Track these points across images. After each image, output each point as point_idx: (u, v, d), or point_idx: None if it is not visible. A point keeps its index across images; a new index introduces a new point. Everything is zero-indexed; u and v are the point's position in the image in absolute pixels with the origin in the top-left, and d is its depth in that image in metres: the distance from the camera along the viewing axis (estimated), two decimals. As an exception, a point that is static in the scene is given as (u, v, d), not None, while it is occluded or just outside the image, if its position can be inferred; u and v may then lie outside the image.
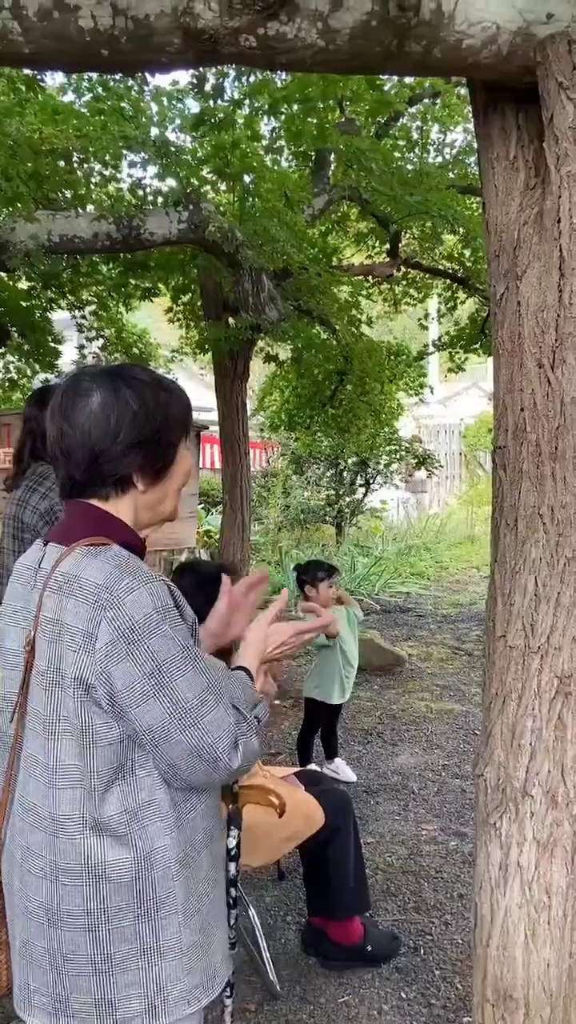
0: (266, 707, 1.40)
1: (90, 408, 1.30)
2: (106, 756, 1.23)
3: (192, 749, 1.23)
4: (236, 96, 4.86)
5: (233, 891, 2.05)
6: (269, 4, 1.58)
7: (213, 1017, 2.12)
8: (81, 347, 6.83)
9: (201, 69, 4.30)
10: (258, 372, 10.21)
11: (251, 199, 4.92)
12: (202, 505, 11.46)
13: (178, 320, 7.60)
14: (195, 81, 4.39)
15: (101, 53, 1.68)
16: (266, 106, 4.65)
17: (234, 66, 4.20)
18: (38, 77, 4.42)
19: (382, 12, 1.61)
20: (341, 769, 4.38)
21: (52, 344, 6.43)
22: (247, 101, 4.84)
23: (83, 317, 6.80)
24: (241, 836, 2.12)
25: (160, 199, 4.65)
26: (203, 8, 1.60)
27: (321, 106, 4.50)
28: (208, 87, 4.44)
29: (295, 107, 4.54)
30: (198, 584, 2.08)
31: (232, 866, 2.06)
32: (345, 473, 12.96)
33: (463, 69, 1.73)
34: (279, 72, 4.01)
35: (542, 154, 1.73)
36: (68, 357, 6.94)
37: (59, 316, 6.81)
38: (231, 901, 2.01)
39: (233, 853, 2.07)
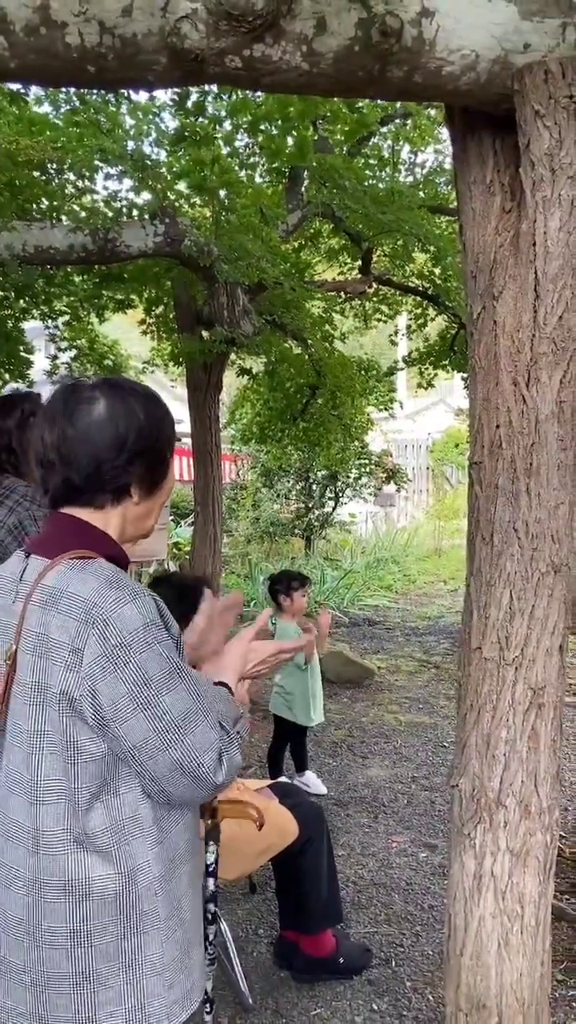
0: (246, 722, 1.41)
1: (97, 414, 1.30)
2: (90, 771, 1.22)
3: (178, 765, 1.23)
4: (218, 114, 4.90)
5: (211, 907, 2.04)
6: (255, 27, 1.61)
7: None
8: (54, 357, 6.79)
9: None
10: (229, 385, 10.23)
11: (226, 214, 4.95)
12: (171, 517, 11.42)
13: (151, 332, 7.59)
14: (176, 97, 4.42)
15: (87, 70, 1.70)
16: (247, 124, 4.70)
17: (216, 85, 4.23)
18: (22, 92, 4.41)
19: (365, 38, 1.65)
20: (311, 782, 4.39)
21: (24, 354, 6.38)
22: (228, 119, 4.89)
23: (56, 328, 6.76)
24: (219, 852, 2.11)
25: (135, 212, 4.66)
26: (190, 29, 1.62)
27: (298, 125, 4.56)
28: (190, 103, 4.47)
29: (274, 126, 4.60)
30: (173, 596, 2.09)
31: (211, 882, 2.06)
32: (315, 486, 13.02)
33: (443, 95, 1.78)
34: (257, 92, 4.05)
35: (518, 179, 1.79)
36: (38, 367, 6.89)
37: (29, 326, 6.78)
38: (209, 917, 2.01)
39: (211, 869, 2.07)
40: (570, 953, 2.86)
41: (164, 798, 1.27)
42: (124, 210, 4.68)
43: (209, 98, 4.72)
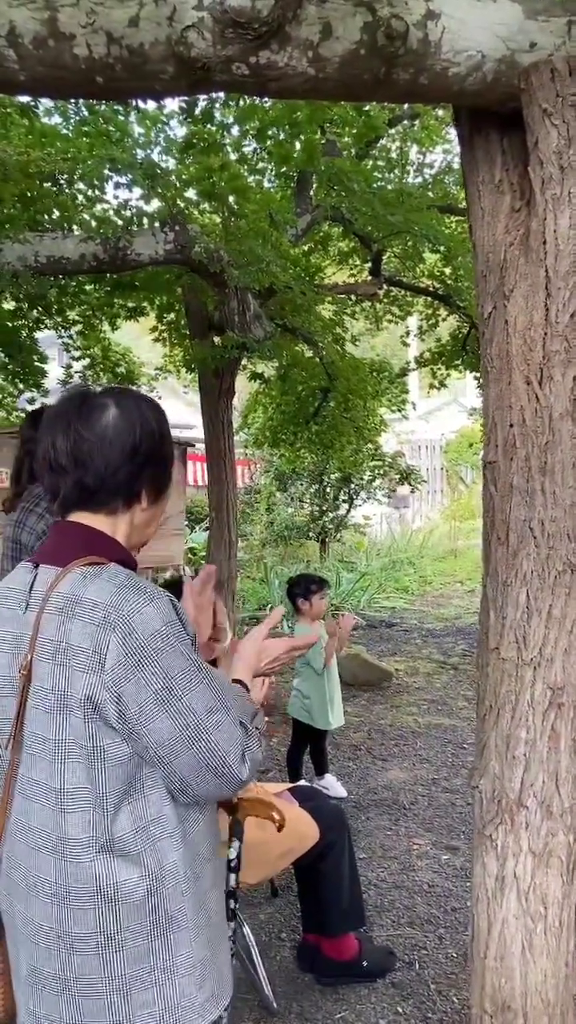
0: (263, 718, 1.42)
1: (112, 419, 1.32)
2: (116, 775, 1.23)
3: (204, 763, 1.24)
4: (225, 120, 4.93)
5: (232, 903, 2.05)
6: (261, 34, 1.62)
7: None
8: (68, 366, 6.84)
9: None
10: (241, 389, 10.26)
11: (236, 220, 4.98)
12: (186, 523, 11.46)
13: (163, 339, 7.63)
14: (184, 105, 4.45)
15: (96, 81, 1.71)
16: (255, 130, 4.72)
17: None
18: (32, 105, 4.46)
19: (371, 41, 1.66)
20: (331, 785, 4.38)
21: (38, 364, 6.44)
22: (236, 125, 4.91)
23: (69, 337, 6.82)
24: (242, 849, 2.12)
25: (146, 220, 4.69)
26: (196, 37, 1.63)
27: (306, 130, 4.57)
28: (198, 111, 4.50)
29: (283, 132, 4.62)
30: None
31: (232, 877, 2.06)
32: (328, 489, 13.01)
33: (449, 96, 1.78)
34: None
35: (526, 177, 1.78)
36: (52, 376, 6.95)
37: (43, 335, 6.84)
38: (229, 912, 2.01)
39: (233, 864, 2.08)
40: (595, 954, 2.84)
41: (189, 797, 1.27)
42: (134, 219, 4.71)
43: (217, 105, 4.74)
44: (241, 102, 4.55)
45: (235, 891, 2.07)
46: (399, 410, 9.69)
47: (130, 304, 6.62)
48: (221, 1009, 1.36)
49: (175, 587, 2.44)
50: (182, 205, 4.91)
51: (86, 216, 5.35)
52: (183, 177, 4.96)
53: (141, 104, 4.81)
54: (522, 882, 1.80)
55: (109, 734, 1.22)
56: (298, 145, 4.68)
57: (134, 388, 1.53)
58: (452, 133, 7.07)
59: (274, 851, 2.53)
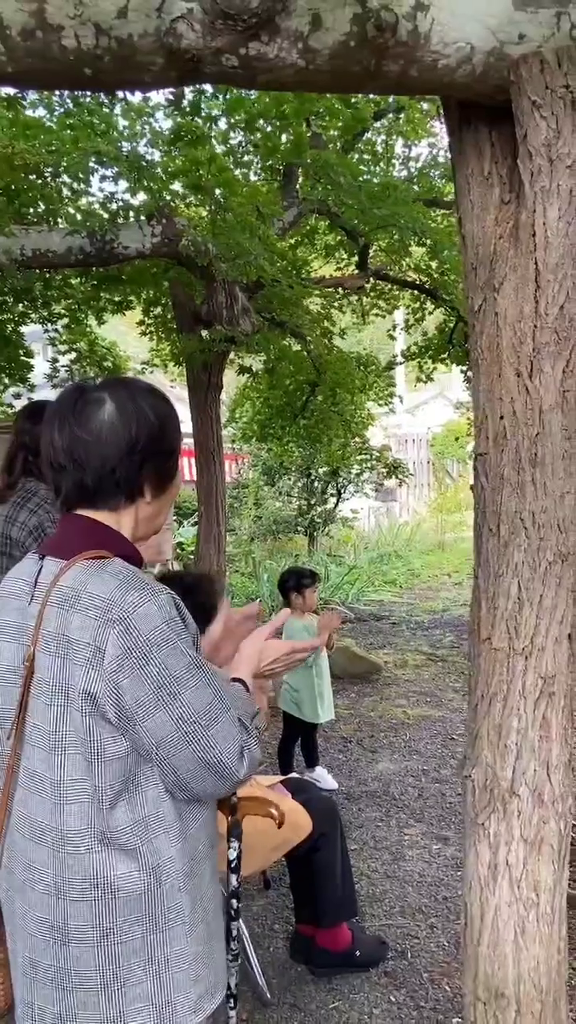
0: (263, 717, 1.42)
1: (108, 416, 1.31)
2: (114, 770, 1.23)
3: (201, 760, 1.24)
4: (213, 112, 4.91)
5: (235, 902, 2.05)
6: (250, 25, 1.62)
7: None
8: (54, 360, 6.81)
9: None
10: (228, 383, 10.25)
11: (223, 212, 4.97)
12: (174, 517, 11.44)
13: (149, 333, 7.60)
14: (172, 97, 4.43)
15: (84, 72, 1.70)
16: (243, 122, 4.70)
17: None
18: (19, 96, 4.42)
19: (360, 33, 1.65)
20: (322, 777, 4.40)
21: (24, 358, 6.40)
22: (223, 117, 4.90)
23: (55, 331, 6.78)
24: (241, 849, 2.12)
25: (132, 213, 4.67)
26: (186, 28, 1.63)
27: (293, 122, 4.57)
28: (185, 103, 4.48)
29: (270, 124, 4.61)
30: (184, 595, 2.09)
31: (234, 878, 2.06)
32: (316, 483, 13.02)
33: (439, 88, 1.78)
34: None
35: (516, 170, 1.79)
36: (38, 371, 6.92)
37: (28, 329, 6.80)
38: (232, 912, 2.01)
39: (234, 865, 2.08)
40: (585, 941, 2.87)
41: (187, 794, 1.28)
42: (121, 212, 4.69)
43: (204, 97, 4.72)
44: (229, 94, 4.54)
45: (238, 891, 2.07)
46: (386, 404, 9.71)
47: (116, 298, 6.59)
48: (216, 1003, 1.36)
49: (174, 582, 2.45)
50: (168, 198, 4.89)
51: (70, 209, 5.33)
52: (169, 169, 4.94)
53: (129, 96, 4.79)
54: (514, 870, 1.82)
55: (107, 729, 1.22)
56: (285, 137, 4.67)
57: (134, 377, 1.51)
58: (437, 126, 7.08)
59: (268, 843, 2.54)
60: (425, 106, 6.43)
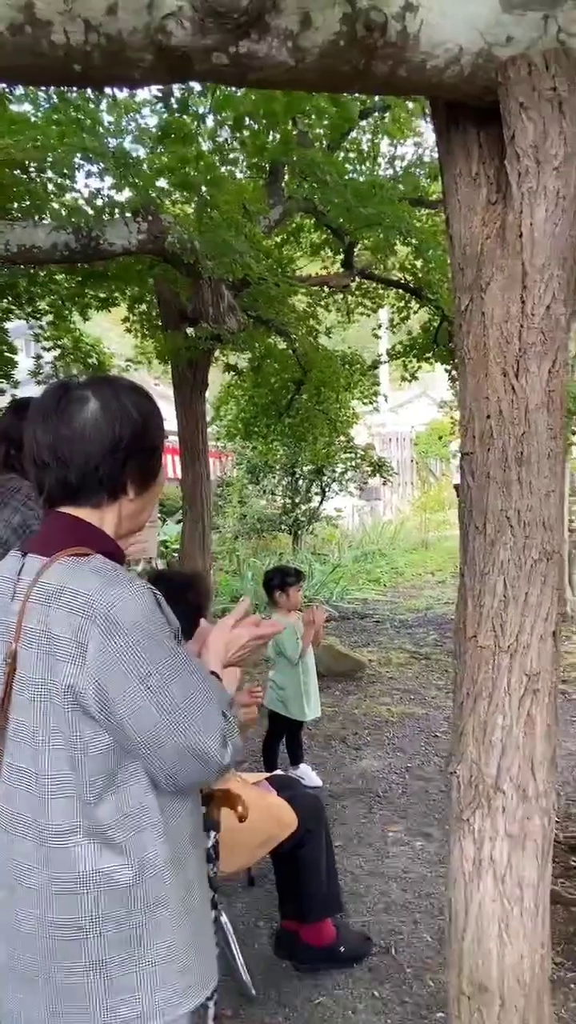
0: (238, 707, 1.43)
1: (91, 413, 1.32)
2: (98, 764, 1.24)
3: (186, 750, 1.25)
4: (196, 110, 4.89)
5: (212, 893, 2.05)
6: (240, 23, 1.62)
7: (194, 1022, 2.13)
8: (38, 357, 6.77)
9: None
10: (212, 381, 10.24)
11: (210, 210, 4.96)
12: (159, 515, 11.41)
13: (134, 330, 7.58)
14: (160, 94, 4.41)
15: (73, 68, 1.70)
16: (231, 121, 4.70)
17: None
18: (7, 91, 4.40)
19: (350, 32, 1.66)
20: (306, 774, 4.41)
21: (7, 354, 6.37)
22: (211, 115, 4.89)
23: (40, 327, 6.75)
24: (219, 838, 2.12)
25: (118, 210, 4.65)
26: (175, 26, 1.63)
27: (281, 121, 4.57)
28: (173, 100, 4.47)
29: (257, 122, 4.60)
30: (171, 594, 2.09)
31: (211, 867, 2.07)
32: (300, 481, 13.04)
33: (428, 88, 1.79)
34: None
35: (503, 171, 1.80)
36: (22, 367, 6.88)
37: (12, 325, 6.76)
38: (212, 902, 2.02)
39: (211, 855, 2.08)
40: (566, 936, 2.90)
41: (172, 784, 1.28)
42: (106, 208, 4.67)
43: (193, 94, 4.71)
44: (218, 92, 4.52)
45: (213, 881, 2.08)
46: (370, 402, 9.73)
47: (101, 294, 6.56)
48: (205, 996, 1.37)
49: (159, 582, 2.45)
50: (154, 195, 4.88)
51: (55, 205, 5.30)
52: (155, 166, 4.93)
53: (118, 92, 4.76)
54: (499, 865, 1.83)
55: (90, 724, 1.23)
56: (273, 136, 4.66)
57: (117, 375, 1.52)
58: (423, 126, 7.10)
59: (254, 840, 2.54)
60: (411, 105, 6.43)
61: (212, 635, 1.58)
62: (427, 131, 7.23)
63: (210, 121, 5.09)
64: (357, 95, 5.56)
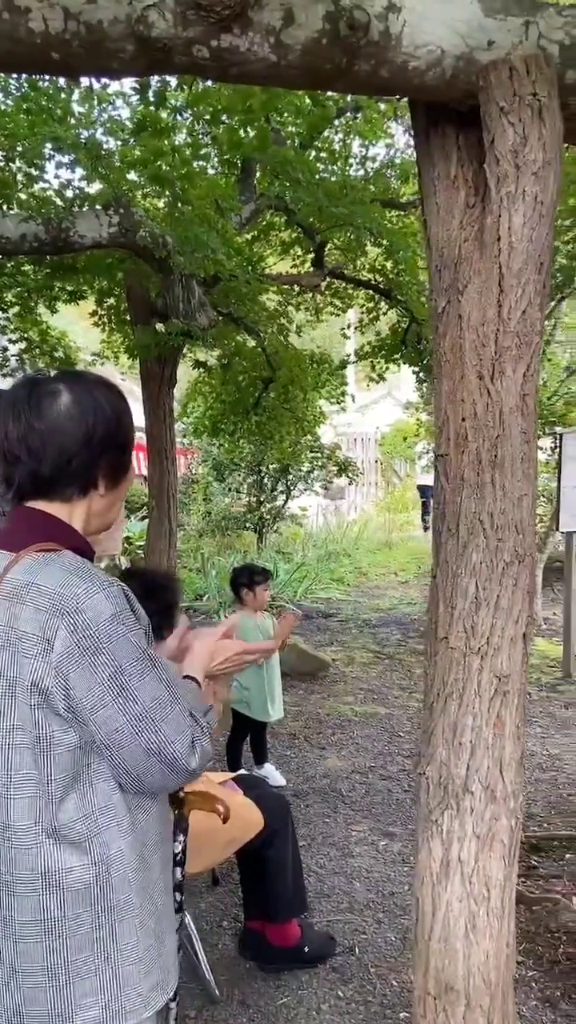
0: (214, 714, 1.42)
1: (64, 406, 1.30)
2: (63, 763, 1.22)
3: (152, 751, 1.23)
4: (177, 103, 4.86)
5: (178, 895, 2.04)
6: (223, 17, 1.61)
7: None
8: (4, 349, 6.67)
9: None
10: (180, 378, 10.18)
11: (181, 205, 4.92)
12: (125, 512, 11.31)
13: (102, 324, 7.51)
14: (137, 86, 4.37)
15: (52, 56, 1.67)
16: (208, 115, 4.67)
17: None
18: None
19: (333, 31, 1.66)
20: (270, 774, 4.40)
21: (-28, 346, 6.28)
22: (188, 109, 4.85)
23: (6, 319, 6.65)
24: (186, 842, 2.12)
25: (88, 202, 4.60)
26: (157, 17, 1.61)
27: (259, 117, 4.55)
28: (150, 93, 4.42)
29: (234, 119, 4.57)
30: (144, 591, 2.07)
31: (178, 871, 2.06)
32: (266, 480, 13.02)
33: (409, 89, 1.79)
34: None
35: (482, 174, 1.81)
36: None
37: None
38: (177, 905, 2.01)
39: (179, 858, 2.07)
40: (528, 935, 2.93)
41: (137, 786, 1.27)
42: (77, 200, 4.61)
43: (170, 88, 4.66)
44: (195, 86, 4.49)
45: (182, 884, 2.07)
46: (338, 402, 9.75)
47: (69, 287, 6.49)
48: (167, 998, 1.36)
49: (132, 578, 2.42)
50: (125, 188, 4.83)
51: (23, 196, 5.22)
52: (127, 159, 4.88)
53: (94, 82, 4.70)
54: (466, 866, 1.84)
55: (56, 721, 1.21)
56: (248, 131, 4.64)
57: (88, 371, 1.50)
58: (394, 127, 7.12)
59: (219, 840, 2.53)
60: (383, 107, 6.46)
61: (198, 642, 1.57)
62: (399, 133, 7.26)
63: (186, 115, 5.05)
64: (331, 94, 5.57)
